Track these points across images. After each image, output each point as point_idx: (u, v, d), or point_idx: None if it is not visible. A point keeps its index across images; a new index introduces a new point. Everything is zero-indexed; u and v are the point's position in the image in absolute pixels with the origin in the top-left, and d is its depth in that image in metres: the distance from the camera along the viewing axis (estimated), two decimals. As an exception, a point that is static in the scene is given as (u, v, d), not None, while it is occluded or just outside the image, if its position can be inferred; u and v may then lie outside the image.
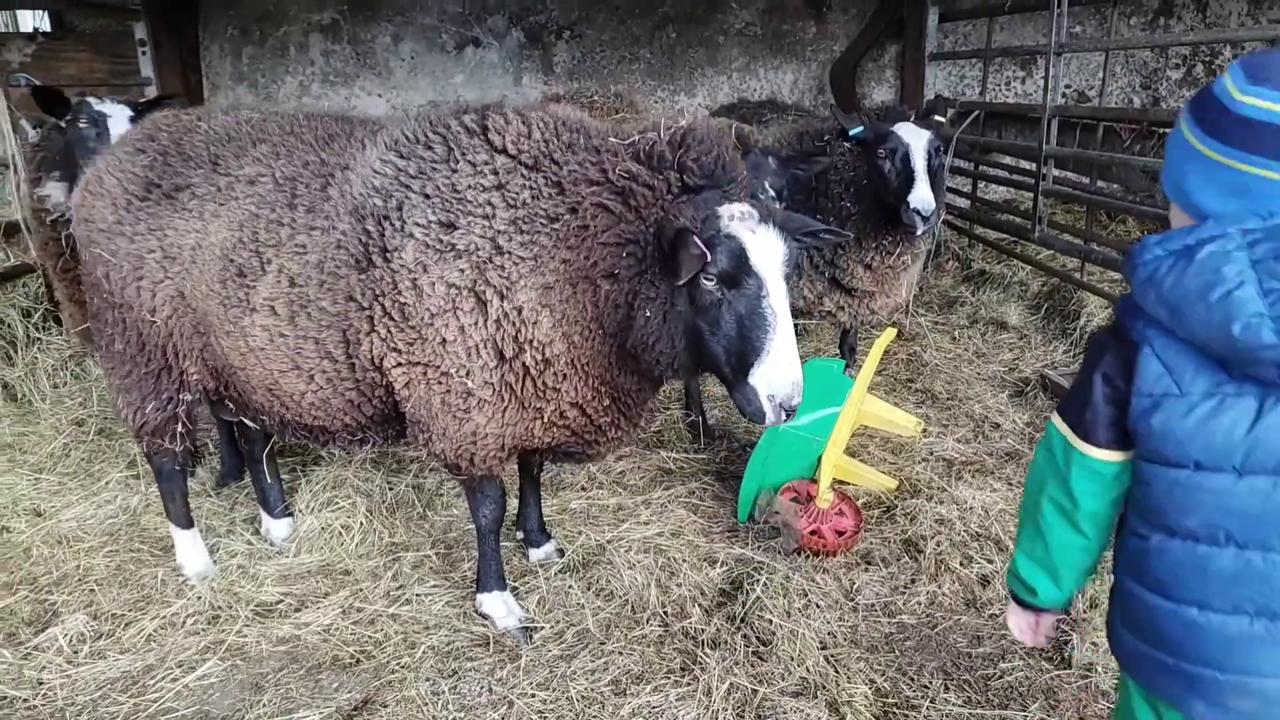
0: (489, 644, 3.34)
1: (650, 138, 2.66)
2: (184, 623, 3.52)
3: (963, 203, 8.61)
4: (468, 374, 2.83)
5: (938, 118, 4.72)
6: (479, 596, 3.50)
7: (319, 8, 8.86)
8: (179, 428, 3.45)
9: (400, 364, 2.89)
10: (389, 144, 2.95)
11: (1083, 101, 9.59)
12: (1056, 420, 1.82)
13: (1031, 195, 6.62)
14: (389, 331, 2.85)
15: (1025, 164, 7.51)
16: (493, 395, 2.87)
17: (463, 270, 2.74)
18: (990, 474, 4.45)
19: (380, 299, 2.83)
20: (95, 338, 3.54)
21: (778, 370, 2.50)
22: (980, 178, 8.23)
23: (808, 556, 3.79)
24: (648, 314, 2.62)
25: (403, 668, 3.23)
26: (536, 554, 3.87)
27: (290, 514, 4.14)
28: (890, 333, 4.91)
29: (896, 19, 9.06)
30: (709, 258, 2.47)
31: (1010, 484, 4.37)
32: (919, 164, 4.40)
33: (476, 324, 2.77)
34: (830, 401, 4.24)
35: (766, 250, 2.52)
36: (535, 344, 2.79)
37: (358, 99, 9.16)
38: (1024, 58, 9.46)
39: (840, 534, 3.80)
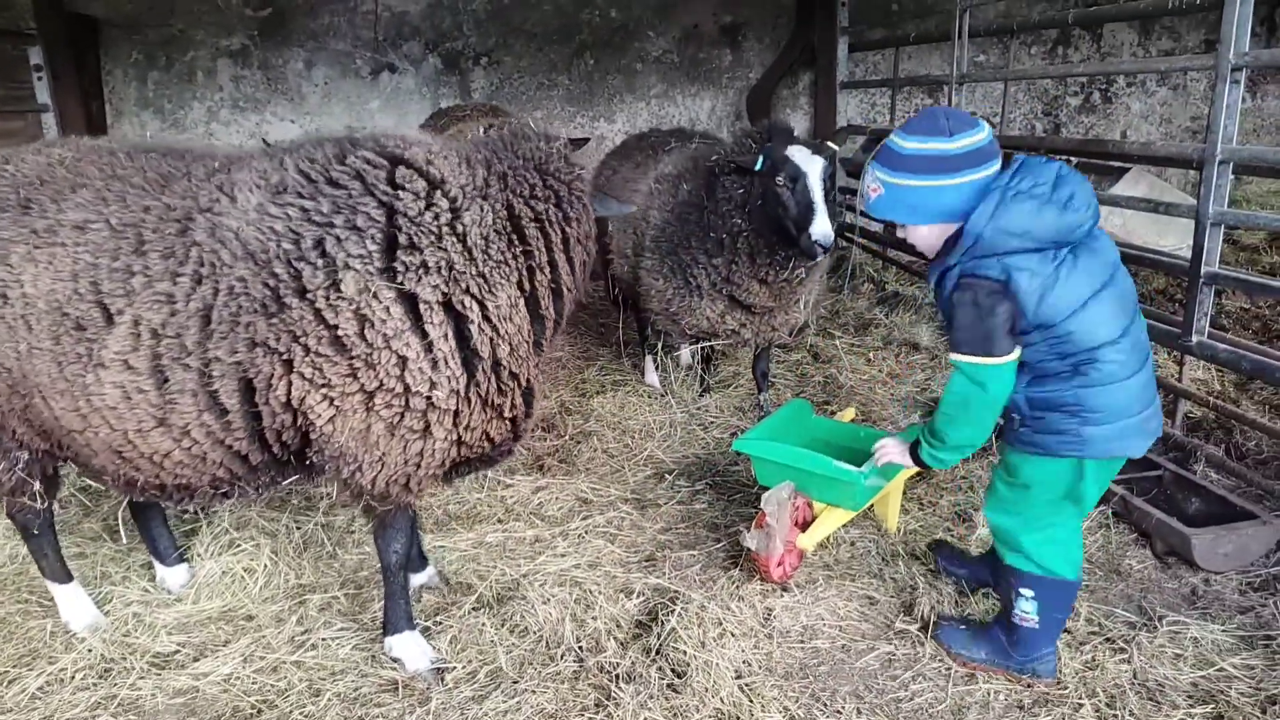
0: (398, 688, 3.24)
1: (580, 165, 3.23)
2: (73, 678, 3.34)
3: (875, 226, 8.82)
4: (431, 387, 2.89)
5: (829, 144, 4.78)
6: (388, 640, 3.40)
7: (227, 33, 8.67)
8: (36, 485, 3.26)
9: (330, 398, 2.85)
10: (273, 187, 2.90)
11: (988, 128, 9.94)
12: (964, 358, 2.83)
13: (939, 219, 6.81)
14: (316, 370, 2.81)
15: (934, 189, 7.73)
16: (457, 403, 2.96)
17: (435, 285, 2.85)
18: (903, 494, 4.53)
19: (301, 339, 2.79)
20: None
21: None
22: (892, 202, 8.44)
23: (744, 569, 3.78)
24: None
25: (306, 717, 3.11)
26: (419, 578, 3.84)
27: (185, 560, 3.98)
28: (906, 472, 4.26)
29: (809, 48, 9.29)
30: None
31: (921, 504, 4.45)
32: (817, 194, 4.45)
33: (445, 335, 2.88)
34: (796, 437, 4.23)
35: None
36: (509, 335, 3.04)
37: (269, 125, 8.97)
38: (930, 86, 9.77)
39: (780, 567, 3.78)
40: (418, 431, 2.96)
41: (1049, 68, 9.65)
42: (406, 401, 2.89)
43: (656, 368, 6.22)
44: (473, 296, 2.93)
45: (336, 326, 2.80)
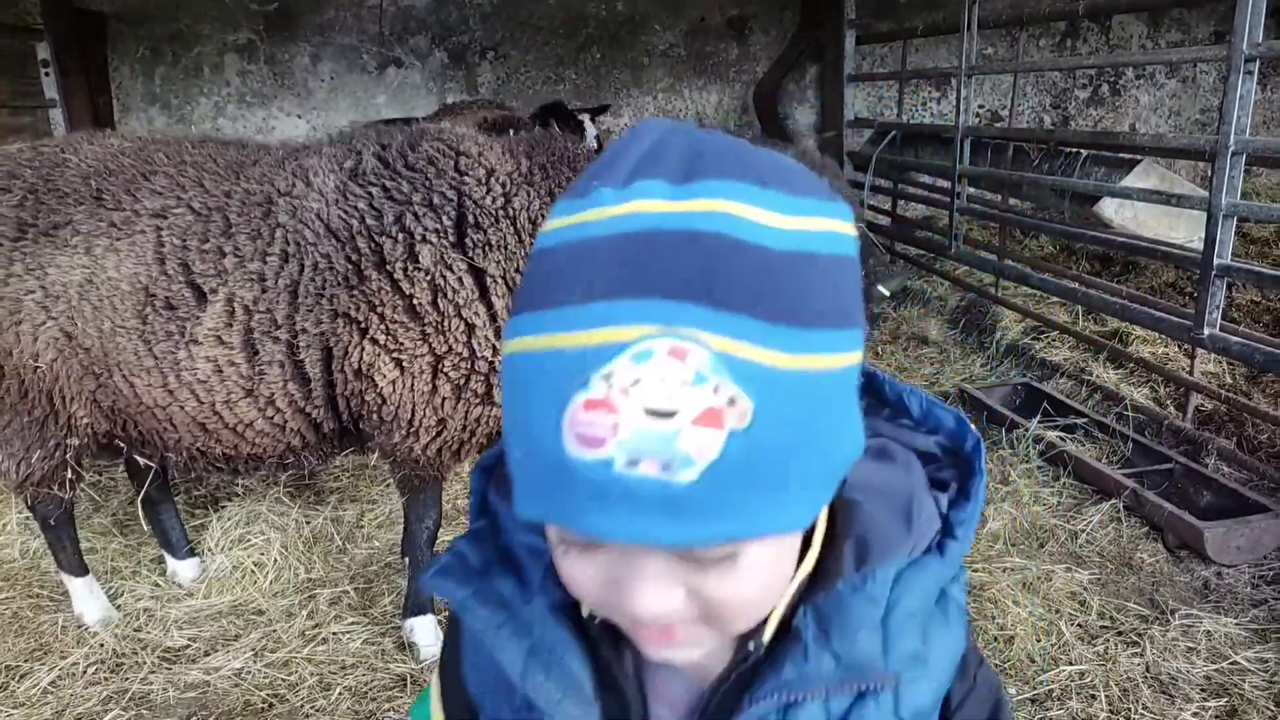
0: (408, 682, 3.25)
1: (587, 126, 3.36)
2: (84, 672, 3.35)
3: (884, 220, 8.80)
4: (494, 352, 3.07)
5: (882, 289, 3.88)
6: (409, 621, 3.43)
7: (233, 28, 8.66)
8: (68, 474, 3.29)
9: (399, 361, 3.04)
10: (349, 171, 3.13)
11: (996, 121, 9.90)
12: None
13: (947, 213, 6.79)
14: (389, 335, 3.00)
15: (941, 182, 7.70)
16: None
17: (498, 261, 3.06)
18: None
19: (379, 308, 2.99)
20: None
21: None
22: (900, 196, 8.41)
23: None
24: None
25: (317, 711, 3.12)
26: None
27: (195, 554, 3.99)
28: None
29: (816, 41, 9.24)
30: None
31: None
32: None
33: (507, 307, 3.06)
34: None
35: None
36: None
37: (276, 120, 8.96)
38: (938, 79, 9.72)
39: None
40: (480, 395, 3.12)
41: (1059, 59, 9.59)
42: (472, 365, 3.08)
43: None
44: (521, 273, 3.11)
45: (412, 295, 2.99)
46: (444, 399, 3.10)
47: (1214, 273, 4.17)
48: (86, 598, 3.63)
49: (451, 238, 3.04)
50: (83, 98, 7.82)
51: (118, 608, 3.71)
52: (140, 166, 3.16)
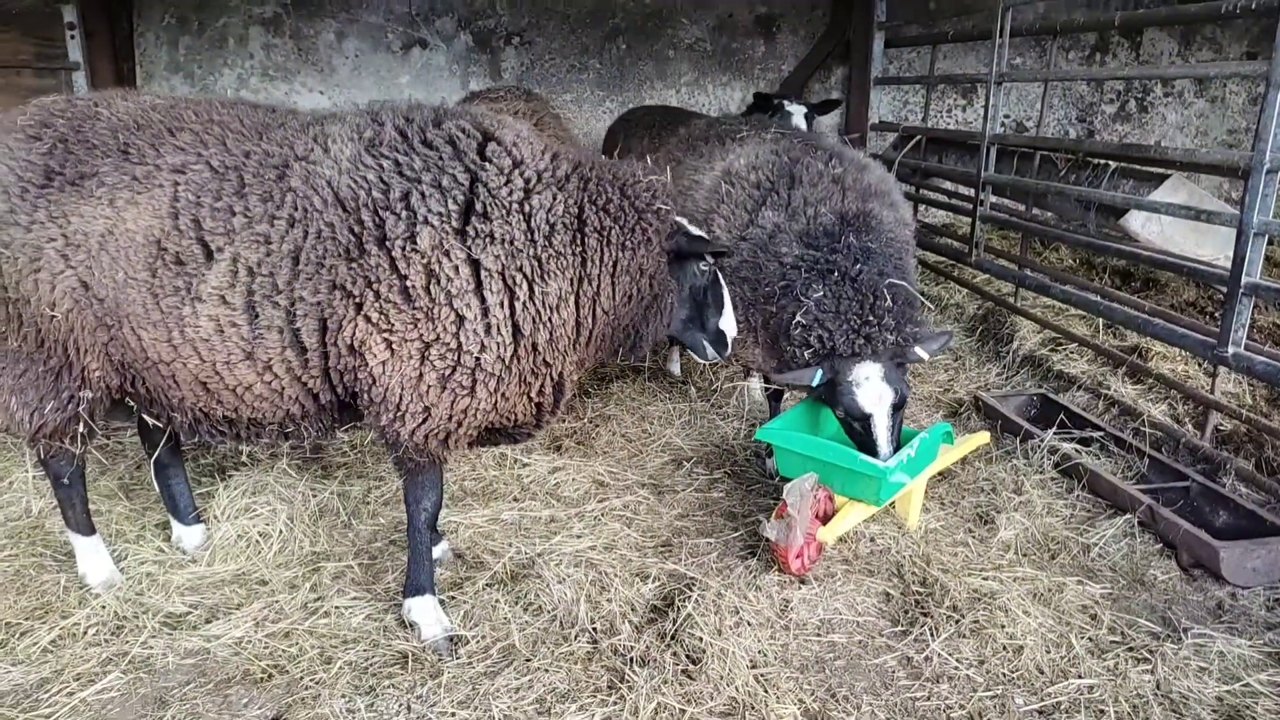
0: (409, 660, 3.21)
1: (655, 181, 3.30)
2: (85, 633, 3.33)
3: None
4: (481, 349, 3.02)
5: (920, 352, 3.71)
6: (407, 602, 3.39)
7: (260, 1, 8.64)
8: (80, 428, 3.27)
9: (389, 342, 2.99)
10: (367, 141, 3.08)
11: (1021, 131, 9.82)
12: None
13: (969, 220, 6.72)
14: (381, 314, 2.96)
15: (964, 189, 7.64)
16: (501, 370, 3.09)
17: (498, 255, 2.99)
18: (925, 493, 4.47)
19: (375, 285, 2.94)
20: None
21: (730, 318, 3.51)
22: (921, 201, 8.35)
23: (762, 559, 3.76)
24: (669, 300, 3.35)
25: (317, 684, 3.09)
26: (433, 552, 3.77)
27: (202, 521, 3.96)
28: (984, 436, 4.43)
29: (844, 42, 9.18)
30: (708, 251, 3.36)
31: (943, 503, 4.39)
32: (882, 435, 3.66)
33: (502, 304, 3.02)
34: (820, 428, 4.15)
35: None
36: (556, 321, 3.13)
37: (298, 95, 8.93)
38: (965, 86, 9.65)
39: (799, 559, 3.72)
40: (466, 388, 3.08)
41: (1093, 69, 9.50)
42: (458, 358, 3.03)
43: (679, 355, 6.16)
44: (524, 275, 3.04)
45: (407, 277, 2.95)
46: (429, 386, 3.05)
47: (1242, 291, 4.12)
48: (92, 557, 3.61)
49: (455, 223, 2.98)
50: (107, 62, 7.80)
51: (121, 571, 3.69)
52: (169, 122, 3.15)
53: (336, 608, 3.50)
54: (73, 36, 7.38)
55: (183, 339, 3.05)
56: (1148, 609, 3.62)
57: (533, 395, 3.28)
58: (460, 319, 2.98)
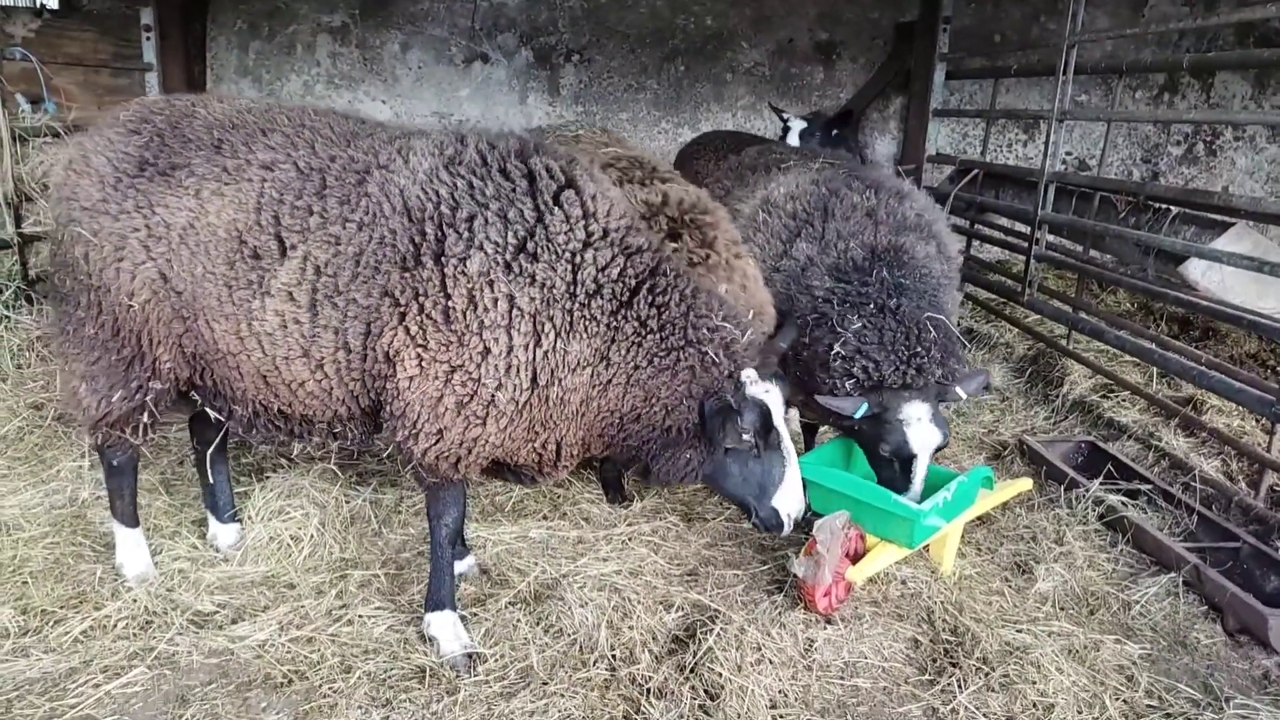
0: (426, 675, 3.22)
1: (733, 332, 3.15)
2: (115, 626, 3.40)
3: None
4: (498, 386, 3.00)
5: (960, 391, 3.67)
6: (428, 616, 3.40)
7: (330, 9, 8.83)
8: (145, 418, 3.37)
9: (420, 360, 3.00)
10: (447, 158, 3.11)
11: (1082, 169, 9.63)
12: None
13: (1024, 258, 6.60)
14: (420, 329, 2.97)
15: (1020, 226, 7.51)
16: (514, 411, 3.07)
17: (533, 298, 2.97)
18: (961, 538, 4.37)
19: (421, 298, 2.96)
20: (60, 322, 3.44)
21: (793, 496, 3.20)
22: (975, 236, 8.22)
23: (788, 595, 3.71)
24: (686, 455, 3.16)
25: (335, 692, 3.11)
26: (458, 566, 3.79)
27: (238, 520, 4.02)
28: (1026, 484, 4.45)
29: (904, 72, 9.10)
30: (744, 428, 3.08)
31: (980, 549, 4.29)
32: (919, 475, 3.69)
33: (526, 346, 3.00)
34: (855, 466, 4.13)
35: (778, 407, 3.15)
36: (568, 384, 3.07)
37: (361, 104, 9.10)
38: (1027, 121, 9.50)
39: (827, 598, 3.66)
40: (479, 419, 3.07)
41: (1158, 111, 9.28)
42: (476, 389, 3.02)
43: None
44: (553, 325, 3.00)
45: (450, 298, 2.95)
46: (446, 410, 3.05)
47: (1305, 348, 3.97)
48: (132, 549, 3.69)
49: (507, 256, 2.97)
50: (179, 64, 8.03)
51: (155, 565, 3.75)
52: (262, 124, 3.27)
53: (360, 616, 3.52)
54: (148, 38, 7.61)
55: (249, 332, 3.13)
56: (1188, 674, 3.49)
57: (535, 445, 3.24)
58: (486, 351, 2.98)
